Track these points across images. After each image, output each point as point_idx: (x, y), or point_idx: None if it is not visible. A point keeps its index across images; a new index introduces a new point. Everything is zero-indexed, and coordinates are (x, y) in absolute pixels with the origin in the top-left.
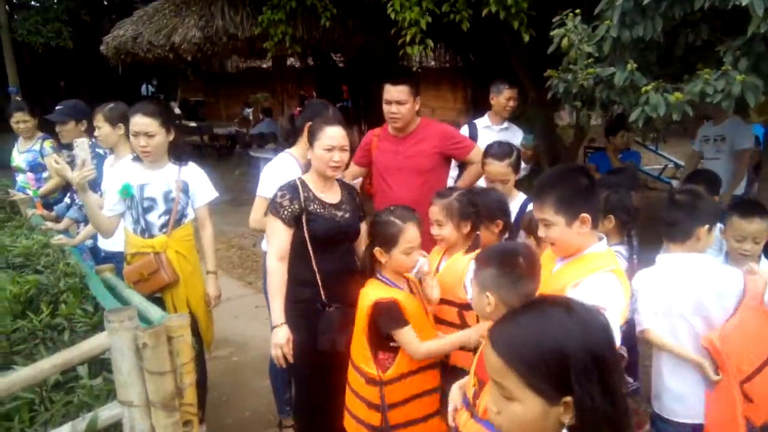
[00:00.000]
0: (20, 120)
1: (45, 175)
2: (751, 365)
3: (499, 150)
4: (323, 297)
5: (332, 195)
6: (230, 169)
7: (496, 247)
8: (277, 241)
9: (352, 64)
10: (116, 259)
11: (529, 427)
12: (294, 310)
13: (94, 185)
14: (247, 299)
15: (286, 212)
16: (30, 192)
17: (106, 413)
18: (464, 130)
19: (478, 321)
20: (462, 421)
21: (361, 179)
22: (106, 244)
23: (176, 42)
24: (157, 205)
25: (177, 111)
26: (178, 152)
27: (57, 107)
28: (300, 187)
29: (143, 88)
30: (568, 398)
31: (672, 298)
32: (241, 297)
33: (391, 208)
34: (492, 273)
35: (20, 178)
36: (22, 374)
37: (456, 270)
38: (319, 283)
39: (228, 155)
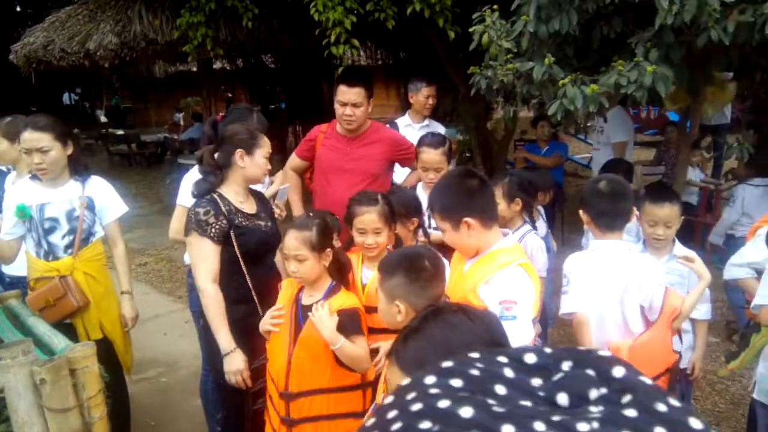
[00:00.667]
0: None
1: None
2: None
3: (433, 139)
4: (260, 312)
5: (250, 205)
6: (160, 177)
7: (398, 253)
8: (208, 262)
9: (283, 65)
10: (22, 284)
11: None
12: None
13: None
14: (176, 315)
15: (213, 230)
16: None
17: None
18: None
19: None
20: None
21: (287, 185)
22: (9, 269)
23: (91, 49)
24: (60, 225)
25: (103, 119)
26: (79, 166)
27: None
28: (220, 201)
29: (65, 96)
30: None
31: (603, 284)
32: (170, 313)
33: (311, 213)
34: (399, 281)
35: None
36: None
37: None
38: (255, 299)
39: (158, 163)
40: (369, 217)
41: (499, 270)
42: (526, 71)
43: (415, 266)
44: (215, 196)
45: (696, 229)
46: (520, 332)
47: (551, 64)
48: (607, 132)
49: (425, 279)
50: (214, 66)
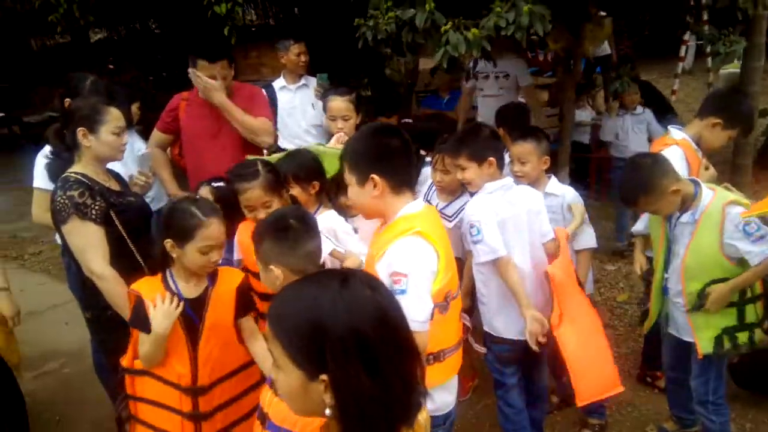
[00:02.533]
0: None
1: None
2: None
3: (341, 89)
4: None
5: (114, 183)
6: None
7: (266, 219)
8: (98, 245)
9: (168, 29)
10: None
11: (295, 399)
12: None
13: None
14: (76, 303)
15: (94, 211)
16: None
17: None
18: None
19: None
20: (266, 401)
21: (148, 151)
22: None
23: None
24: None
25: None
26: None
27: None
28: (86, 180)
29: None
30: (325, 376)
31: (509, 222)
32: (71, 302)
33: (197, 197)
34: (268, 245)
35: None
36: None
37: None
38: (147, 274)
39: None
40: (253, 193)
41: (394, 241)
42: (408, 18)
43: (280, 226)
44: (79, 176)
45: (590, 167)
46: (411, 308)
47: (432, 9)
48: (514, 76)
49: (292, 238)
50: (96, 37)
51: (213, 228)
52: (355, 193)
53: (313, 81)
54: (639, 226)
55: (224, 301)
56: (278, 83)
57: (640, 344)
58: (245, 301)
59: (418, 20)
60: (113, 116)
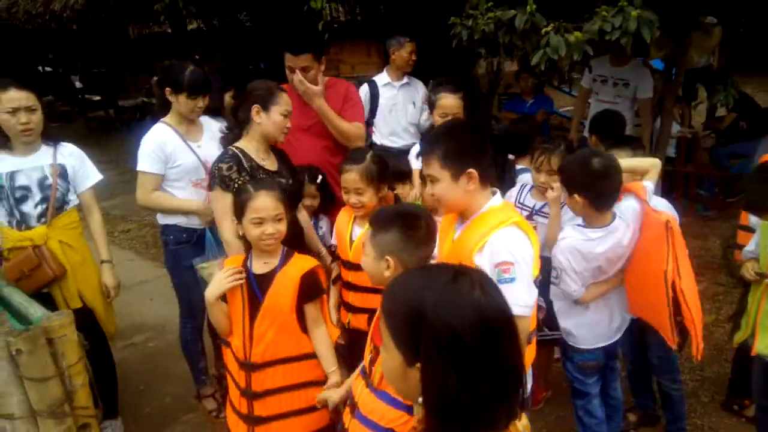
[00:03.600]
0: None
1: None
2: None
3: (450, 85)
4: None
5: (271, 162)
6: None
7: (394, 209)
8: (232, 216)
9: (260, 23)
10: None
11: (394, 380)
12: None
13: None
14: (162, 280)
15: (236, 185)
16: None
17: None
18: (363, 89)
19: None
20: (357, 391)
21: None
22: None
23: (57, 9)
24: (32, 194)
25: (78, 85)
26: (50, 132)
27: None
28: (242, 156)
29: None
30: (418, 365)
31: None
32: (156, 279)
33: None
34: (394, 237)
35: None
36: None
37: None
38: None
39: (138, 128)
40: (350, 176)
41: (492, 234)
42: (507, 19)
43: (412, 224)
44: (236, 151)
45: (677, 181)
46: (520, 294)
47: (533, 11)
48: (635, 85)
49: (420, 238)
50: (189, 27)
51: (260, 200)
52: (444, 188)
53: (416, 81)
54: (750, 247)
55: (286, 285)
56: (381, 79)
57: (726, 369)
58: (310, 289)
59: (517, 21)
60: (284, 100)
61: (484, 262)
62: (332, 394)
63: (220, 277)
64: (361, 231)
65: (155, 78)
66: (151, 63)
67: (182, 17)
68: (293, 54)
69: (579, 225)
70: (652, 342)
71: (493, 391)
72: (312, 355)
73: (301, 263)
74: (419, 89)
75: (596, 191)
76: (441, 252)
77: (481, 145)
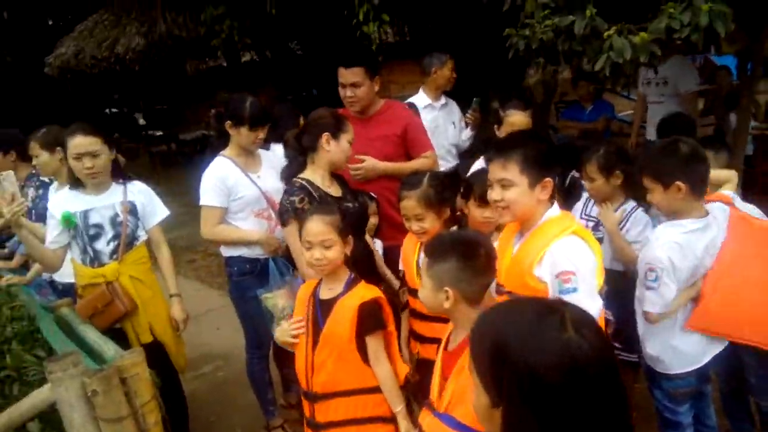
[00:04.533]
0: None
1: None
2: None
3: (518, 102)
4: None
5: (335, 189)
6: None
7: (450, 237)
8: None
9: (312, 51)
10: (74, 292)
11: (483, 420)
12: None
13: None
14: (228, 309)
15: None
16: None
17: None
18: None
19: None
20: (426, 423)
21: None
22: (61, 277)
23: (120, 52)
24: (104, 231)
25: (142, 122)
26: (119, 171)
27: None
28: (310, 187)
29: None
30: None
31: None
32: (222, 307)
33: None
34: (452, 266)
35: None
36: None
37: None
38: None
39: (199, 160)
40: (409, 202)
41: (551, 244)
42: (566, 26)
43: (470, 252)
44: (304, 182)
45: (757, 180)
46: (584, 305)
47: (593, 15)
48: (674, 82)
49: (479, 267)
50: (243, 59)
51: (309, 225)
52: (519, 194)
53: (452, 103)
54: None
55: (344, 314)
56: (421, 100)
57: None
58: (368, 320)
59: (577, 27)
60: (350, 128)
61: (544, 273)
62: None
63: (285, 327)
64: None
65: (213, 111)
66: (210, 96)
67: (237, 50)
68: (345, 67)
69: (672, 222)
70: (750, 359)
71: None
72: (378, 389)
73: (362, 292)
74: (455, 108)
75: (695, 174)
76: (500, 268)
77: (556, 156)
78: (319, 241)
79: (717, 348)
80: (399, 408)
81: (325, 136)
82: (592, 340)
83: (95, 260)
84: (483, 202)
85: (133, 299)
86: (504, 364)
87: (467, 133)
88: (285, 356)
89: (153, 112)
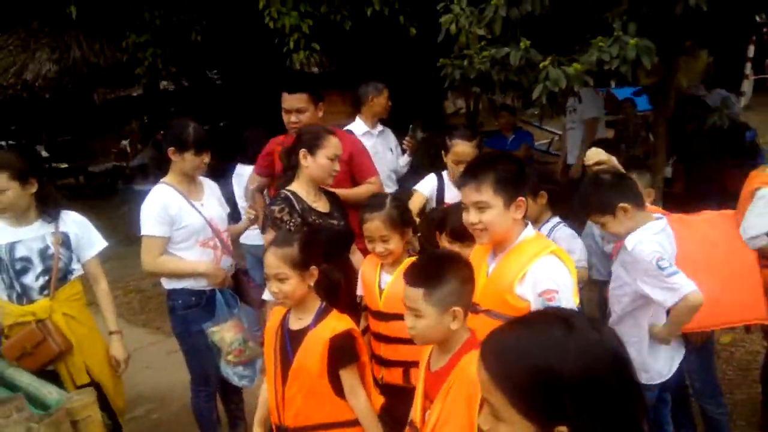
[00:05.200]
0: None
1: None
2: None
3: (465, 132)
4: None
5: (323, 204)
6: (114, 207)
7: (435, 260)
8: None
9: (231, 79)
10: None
11: None
12: None
13: None
14: (157, 347)
15: (287, 226)
16: None
17: None
18: None
19: None
20: None
21: (254, 186)
22: None
23: (29, 79)
24: (33, 265)
25: (45, 154)
26: (47, 203)
27: None
28: (293, 198)
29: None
30: (563, 428)
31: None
32: (149, 345)
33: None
34: (454, 287)
35: None
36: None
37: None
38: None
39: (110, 193)
40: (373, 224)
41: (533, 263)
42: (501, 57)
43: (462, 267)
44: (289, 194)
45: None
46: None
47: (527, 47)
48: (580, 110)
49: (473, 278)
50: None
51: (266, 257)
52: (495, 215)
53: (388, 130)
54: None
55: (315, 347)
56: (359, 128)
57: (755, 390)
58: (341, 353)
59: (512, 58)
60: (332, 143)
61: (526, 291)
62: None
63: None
64: (390, 278)
65: (124, 142)
66: (118, 126)
67: (157, 79)
68: (289, 92)
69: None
70: (694, 364)
71: None
72: (355, 422)
73: (333, 324)
74: (391, 135)
75: (629, 191)
76: (476, 287)
77: (525, 175)
78: (273, 273)
79: (678, 359)
80: None
81: (302, 152)
82: (613, 336)
83: (23, 296)
84: (455, 238)
85: (68, 338)
86: (558, 384)
87: (405, 159)
88: (232, 392)
89: (56, 143)
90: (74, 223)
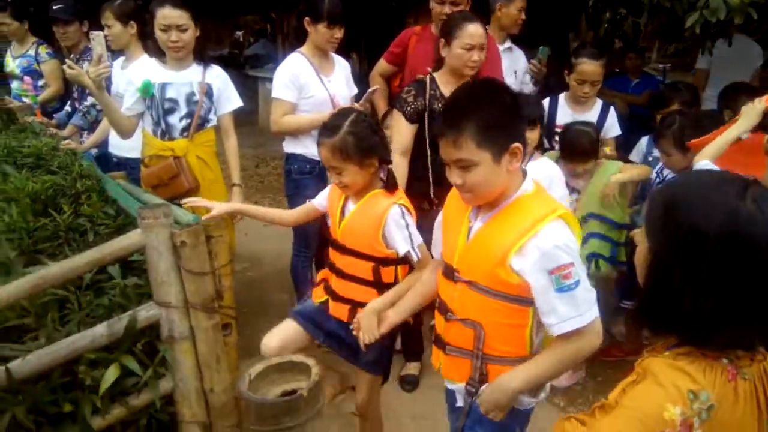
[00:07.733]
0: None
1: (41, 82)
2: None
3: (592, 50)
4: (432, 197)
5: None
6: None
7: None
8: (399, 137)
9: None
10: (129, 166)
11: (638, 266)
12: None
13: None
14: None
15: (409, 108)
16: (26, 99)
17: (143, 314)
18: None
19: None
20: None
21: (376, 87)
22: (119, 150)
23: None
24: (178, 107)
25: None
26: (202, 51)
27: (55, 6)
28: (429, 84)
29: None
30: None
31: None
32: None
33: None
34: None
35: (15, 84)
36: (53, 270)
37: (373, 215)
38: (431, 184)
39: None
40: (323, 152)
41: (537, 232)
42: None
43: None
44: (426, 79)
45: None
46: (587, 296)
47: None
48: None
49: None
50: None
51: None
52: (484, 173)
53: (517, 49)
54: None
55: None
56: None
57: None
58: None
59: None
60: (466, 33)
61: (526, 266)
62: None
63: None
64: (354, 207)
65: (237, 32)
66: (230, 18)
67: None
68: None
69: None
70: None
71: (721, 311)
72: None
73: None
74: (520, 57)
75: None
76: (447, 250)
77: (519, 109)
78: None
79: None
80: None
81: (441, 41)
82: None
83: (166, 133)
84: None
85: (197, 179)
86: (671, 214)
87: (529, 88)
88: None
89: None
90: (218, 77)
